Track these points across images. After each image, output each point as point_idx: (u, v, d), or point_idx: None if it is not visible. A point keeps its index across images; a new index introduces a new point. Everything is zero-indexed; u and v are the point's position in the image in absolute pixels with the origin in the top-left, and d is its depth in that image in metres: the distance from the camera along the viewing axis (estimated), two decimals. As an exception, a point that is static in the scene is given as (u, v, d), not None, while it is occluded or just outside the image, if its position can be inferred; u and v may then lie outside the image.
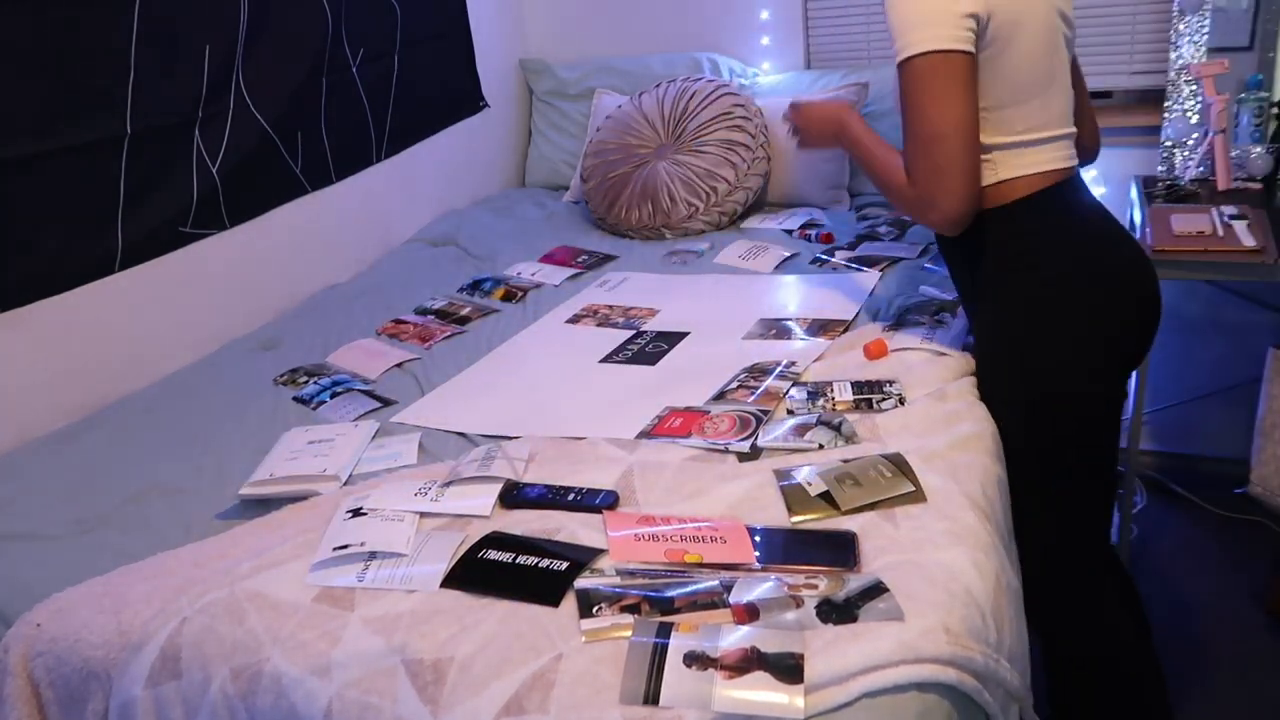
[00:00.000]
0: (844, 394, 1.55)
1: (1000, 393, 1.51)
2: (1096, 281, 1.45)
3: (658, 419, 1.55)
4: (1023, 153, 1.45)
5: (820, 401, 1.54)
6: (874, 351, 1.67)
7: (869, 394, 1.55)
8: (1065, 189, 1.47)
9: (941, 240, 1.63)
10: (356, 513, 1.34)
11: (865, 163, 1.53)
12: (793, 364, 1.67)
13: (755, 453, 1.42)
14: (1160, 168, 2.39)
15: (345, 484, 1.49)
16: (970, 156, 1.37)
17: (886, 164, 1.47)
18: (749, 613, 1.09)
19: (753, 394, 1.56)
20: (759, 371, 1.64)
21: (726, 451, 1.43)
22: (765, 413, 1.51)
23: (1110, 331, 1.46)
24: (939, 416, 1.47)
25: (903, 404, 1.51)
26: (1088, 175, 2.59)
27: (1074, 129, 1.51)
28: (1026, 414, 1.48)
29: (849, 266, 2.15)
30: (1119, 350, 1.48)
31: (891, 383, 1.57)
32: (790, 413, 1.52)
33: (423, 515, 1.35)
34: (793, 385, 1.60)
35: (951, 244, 1.57)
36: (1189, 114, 2.34)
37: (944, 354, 1.63)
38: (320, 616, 1.18)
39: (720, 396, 1.58)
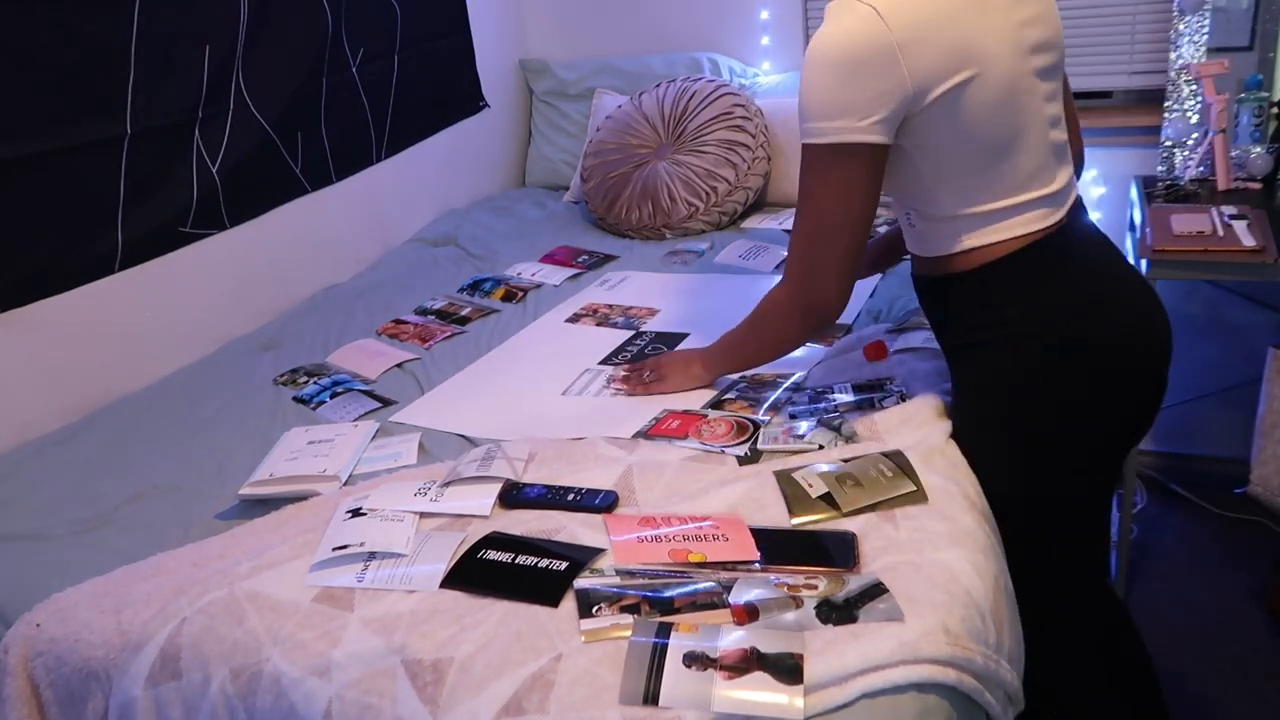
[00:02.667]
0: (845, 395, 1.55)
1: (978, 468, 1.37)
2: (1078, 364, 1.28)
3: (655, 420, 1.55)
4: (989, 222, 1.29)
5: (822, 404, 1.54)
6: (874, 353, 1.67)
7: (870, 393, 1.55)
8: (1044, 250, 1.30)
9: (920, 297, 1.48)
10: (356, 513, 1.34)
11: (741, 345, 1.51)
12: (794, 376, 1.66)
13: (755, 455, 1.41)
14: (1160, 168, 2.39)
15: (345, 484, 1.49)
16: (856, 255, 1.28)
17: (751, 323, 1.46)
18: (748, 613, 1.09)
19: (755, 408, 1.55)
20: (758, 382, 1.63)
21: (723, 454, 1.43)
22: (764, 420, 1.51)
23: (1094, 426, 1.31)
24: (939, 410, 1.46)
25: (904, 400, 1.51)
26: (1088, 175, 2.60)
27: (1052, 186, 1.31)
28: (1004, 500, 1.34)
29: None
30: (1105, 445, 1.34)
31: (892, 380, 1.57)
32: (792, 417, 1.51)
33: (422, 515, 1.35)
34: (794, 392, 1.59)
35: (924, 304, 1.46)
36: (1189, 114, 2.34)
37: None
38: (320, 617, 1.18)
39: (718, 406, 1.58)
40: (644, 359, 1.77)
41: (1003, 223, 1.29)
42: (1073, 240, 1.33)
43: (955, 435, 1.41)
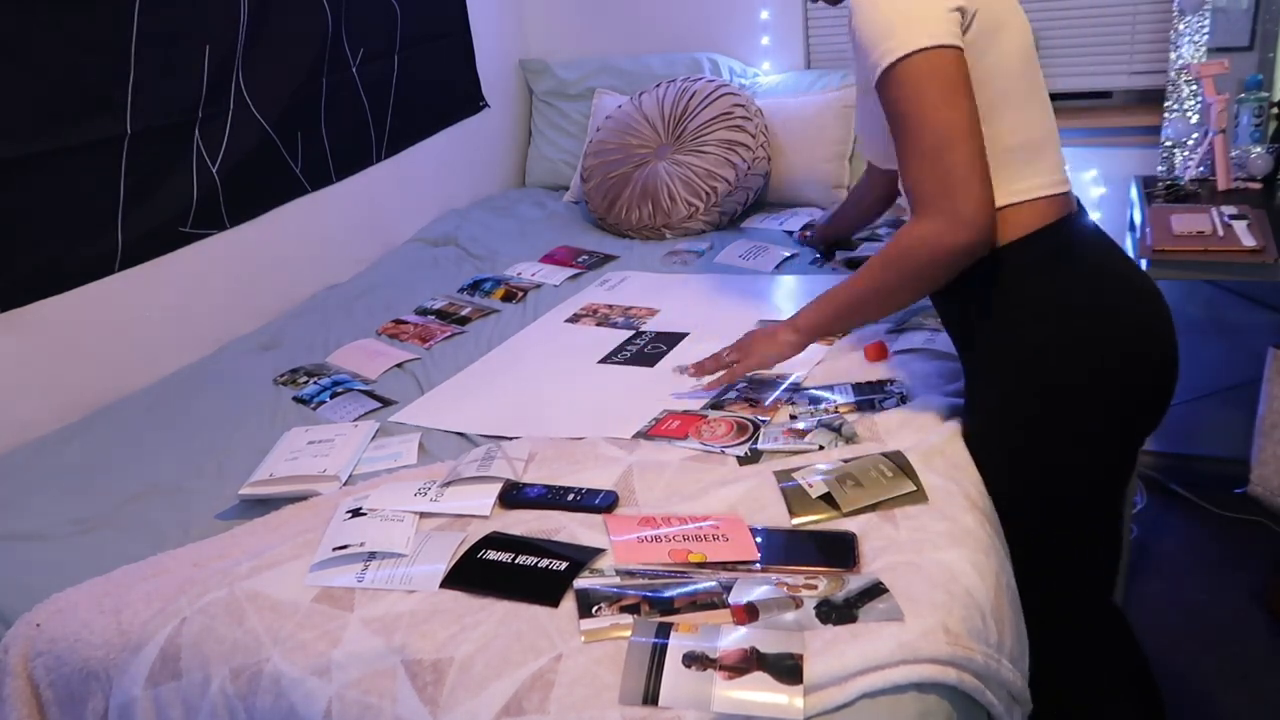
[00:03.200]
0: (846, 396, 1.55)
1: (991, 470, 1.36)
2: (1109, 345, 1.29)
3: (655, 420, 1.55)
4: (1014, 170, 1.29)
5: (822, 405, 1.54)
6: (874, 354, 1.67)
7: (870, 394, 1.55)
8: (1059, 234, 1.31)
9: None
10: (356, 513, 1.34)
11: (864, 294, 1.37)
12: (795, 377, 1.65)
13: (755, 456, 1.41)
14: (1160, 168, 2.39)
15: (345, 484, 1.49)
16: (983, 160, 1.22)
17: (871, 271, 1.33)
18: (748, 613, 1.09)
19: (755, 409, 1.54)
20: (757, 384, 1.63)
21: (723, 454, 1.43)
22: (764, 421, 1.50)
23: (1109, 425, 1.31)
24: (940, 411, 1.46)
25: (904, 402, 1.51)
26: (1088, 175, 2.60)
27: (1063, 164, 1.35)
28: (1013, 501, 1.34)
29: (849, 267, 2.15)
30: (1118, 445, 1.35)
31: (892, 381, 1.57)
32: (792, 417, 1.51)
33: (422, 515, 1.35)
34: (794, 392, 1.59)
35: (937, 299, 1.43)
36: (1189, 114, 2.34)
37: (946, 356, 1.63)
38: (320, 617, 1.18)
39: (718, 406, 1.57)
40: (649, 343, 1.78)
41: (1027, 171, 1.29)
42: (1086, 235, 1.34)
43: (967, 429, 1.41)
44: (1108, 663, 1.48)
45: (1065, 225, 1.32)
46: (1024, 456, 1.35)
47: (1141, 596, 2.27)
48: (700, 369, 1.61)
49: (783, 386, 1.60)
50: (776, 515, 1.27)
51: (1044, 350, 1.30)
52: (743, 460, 1.41)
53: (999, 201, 1.27)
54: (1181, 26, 2.31)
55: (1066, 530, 1.38)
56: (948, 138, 1.21)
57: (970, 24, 1.23)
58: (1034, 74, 1.33)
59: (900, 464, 1.33)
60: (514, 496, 1.37)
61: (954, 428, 1.43)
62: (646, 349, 1.86)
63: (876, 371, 1.63)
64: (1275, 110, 2.27)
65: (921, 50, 1.20)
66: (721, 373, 1.58)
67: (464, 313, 2.17)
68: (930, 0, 1.20)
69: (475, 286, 2.31)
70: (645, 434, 1.51)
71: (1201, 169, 2.33)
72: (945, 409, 1.47)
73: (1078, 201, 1.39)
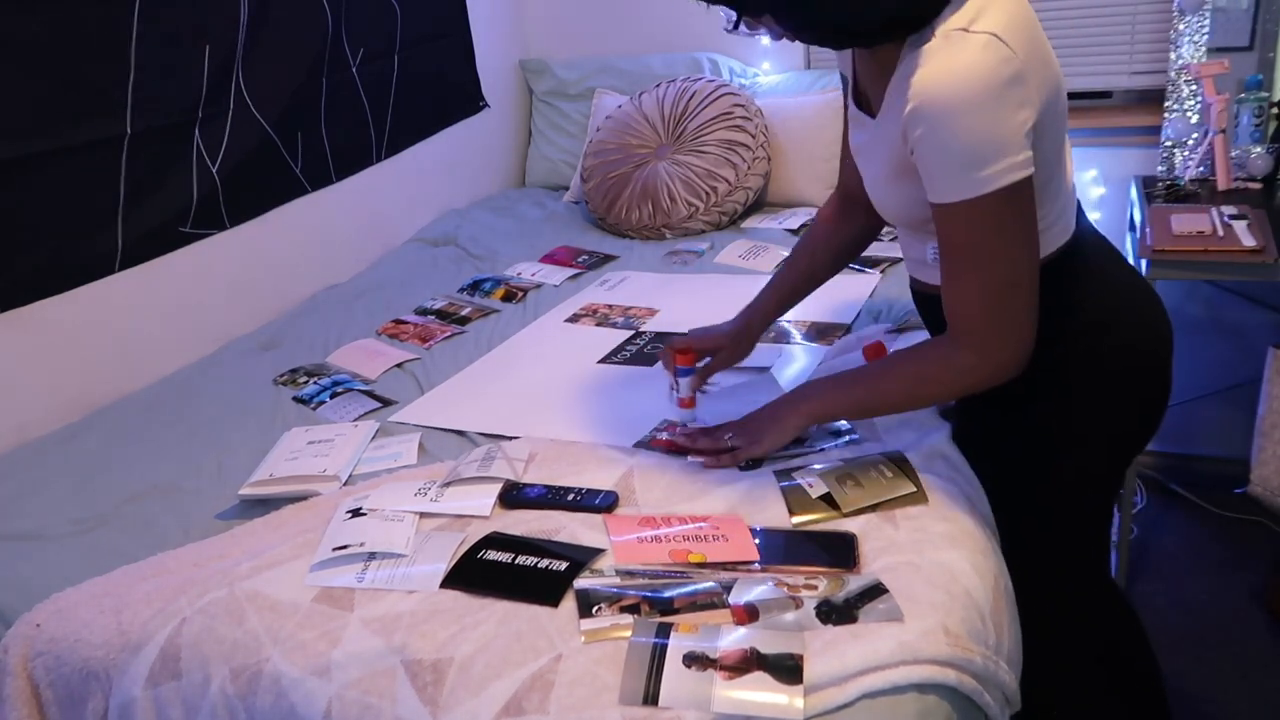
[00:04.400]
0: None
1: (987, 473, 1.35)
2: (1096, 370, 1.28)
3: (655, 432, 1.53)
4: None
5: None
6: (874, 354, 1.66)
7: None
8: (1064, 259, 1.28)
9: (927, 314, 1.43)
10: (356, 513, 1.34)
11: (875, 399, 1.32)
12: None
13: (756, 463, 1.41)
14: (1160, 168, 2.39)
15: (345, 484, 1.49)
16: (1036, 297, 1.18)
17: (898, 378, 1.28)
18: (748, 613, 1.09)
19: None
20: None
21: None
22: None
23: (1109, 431, 1.32)
24: (940, 411, 1.46)
25: None
26: (1088, 175, 2.60)
27: (1071, 201, 1.31)
28: (1014, 505, 1.34)
29: (849, 268, 2.15)
30: (1120, 450, 1.35)
31: None
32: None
33: (422, 515, 1.35)
34: None
35: (933, 319, 1.40)
36: (1189, 114, 2.34)
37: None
38: (320, 617, 1.18)
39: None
40: (649, 343, 1.71)
41: (1043, 236, 1.23)
42: (1085, 246, 1.31)
43: (962, 438, 1.40)
44: (1109, 663, 1.48)
45: (1067, 251, 1.28)
46: (1027, 463, 1.34)
47: (1141, 596, 2.27)
48: (696, 448, 1.44)
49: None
50: (776, 515, 1.27)
51: (1063, 359, 1.28)
52: (743, 465, 1.40)
53: None
54: (1181, 26, 2.31)
55: (1061, 531, 1.37)
56: (1016, 277, 1.16)
57: (1034, 134, 1.14)
58: (1063, 147, 1.25)
59: (900, 464, 1.34)
60: (514, 496, 1.37)
61: (954, 428, 1.43)
62: (646, 349, 1.86)
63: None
64: (1275, 110, 2.27)
65: (1004, 188, 1.11)
66: (720, 456, 1.42)
67: (464, 313, 2.17)
68: (1014, 120, 1.10)
69: (475, 286, 2.31)
70: (646, 445, 1.50)
71: (1201, 169, 2.33)
72: (947, 409, 1.47)
73: (1078, 204, 1.38)
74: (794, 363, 1.72)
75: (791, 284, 1.60)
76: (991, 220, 1.13)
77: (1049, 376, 1.27)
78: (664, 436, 1.50)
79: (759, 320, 1.61)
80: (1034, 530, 1.35)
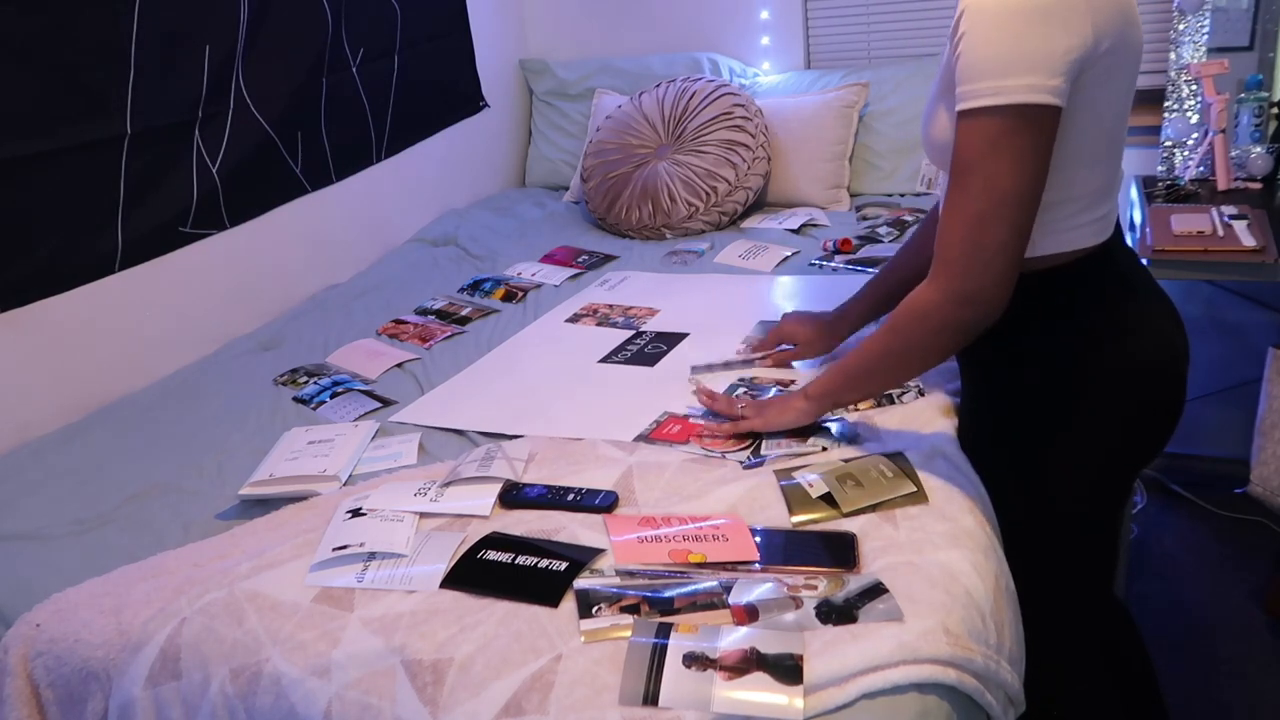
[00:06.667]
0: None
1: (1000, 477, 1.32)
2: (1124, 381, 1.24)
3: (656, 424, 1.54)
4: (1069, 222, 1.21)
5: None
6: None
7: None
8: (1097, 262, 1.25)
9: None
10: (356, 513, 1.34)
11: (868, 365, 1.29)
12: (793, 383, 1.64)
13: (758, 462, 1.41)
14: (1160, 168, 2.39)
15: (345, 484, 1.49)
16: (1025, 238, 1.13)
17: (885, 337, 1.25)
18: (748, 613, 1.09)
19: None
20: (757, 385, 1.63)
21: (724, 459, 1.42)
22: None
23: (1130, 440, 1.28)
24: (942, 410, 1.46)
25: (923, 395, 1.50)
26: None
27: (1117, 194, 1.26)
28: (1025, 510, 1.32)
29: (849, 268, 2.15)
30: (1137, 459, 1.32)
31: None
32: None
33: (422, 515, 1.35)
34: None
35: None
36: (1189, 114, 2.34)
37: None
38: (320, 617, 1.18)
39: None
40: (649, 343, 1.73)
41: (1082, 223, 1.21)
42: (1116, 249, 1.28)
43: (972, 441, 1.39)
44: (1109, 664, 1.48)
45: (1102, 254, 1.26)
46: (1039, 468, 1.32)
47: (1141, 596, 2.27)
48: (713, 401, 1.51)
49: (777, 392, 1.60)
50: (776, 515, 1.27)
51: (1079, 363, 1.25)
52: (744, 463, 1.40)
53: (1040, 252, 1.22)
54: (1182, 26, 2.31)
55: (1070, 539, 1.35)
56: (998, 207, 1.10)
57: (1086, 70, 1.09)
58: (1124, 125, 1.19)
59: (901, 464, 1.34)
60: (514, 496, 1.37)
61: (955, 425, 1.43)
62: (646, 349, 1.86)
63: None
64: (1275, 110, 2.27)
65: (1013, 105, 1.07)
66: (728, 424, 1.47)
67: (464, 313, 2.17)
68: (1054, 41, 1.05)
69: (475, 286, 2.31)
70: (646, 436, 1.51)
71: (1201, 169, 2.32)
72: (948, 409, 1.47)
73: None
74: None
75: (888, 288, 1.55)
76: (989, 137, 1.08)
77: (1063, 379, 1.26)
78: (681, 414, 1.53)
79: (850, 321, 1.60)
80: (1040, 534, 1.34)
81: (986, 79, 1.07)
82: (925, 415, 1.46)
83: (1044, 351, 1.27)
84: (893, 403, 1.50)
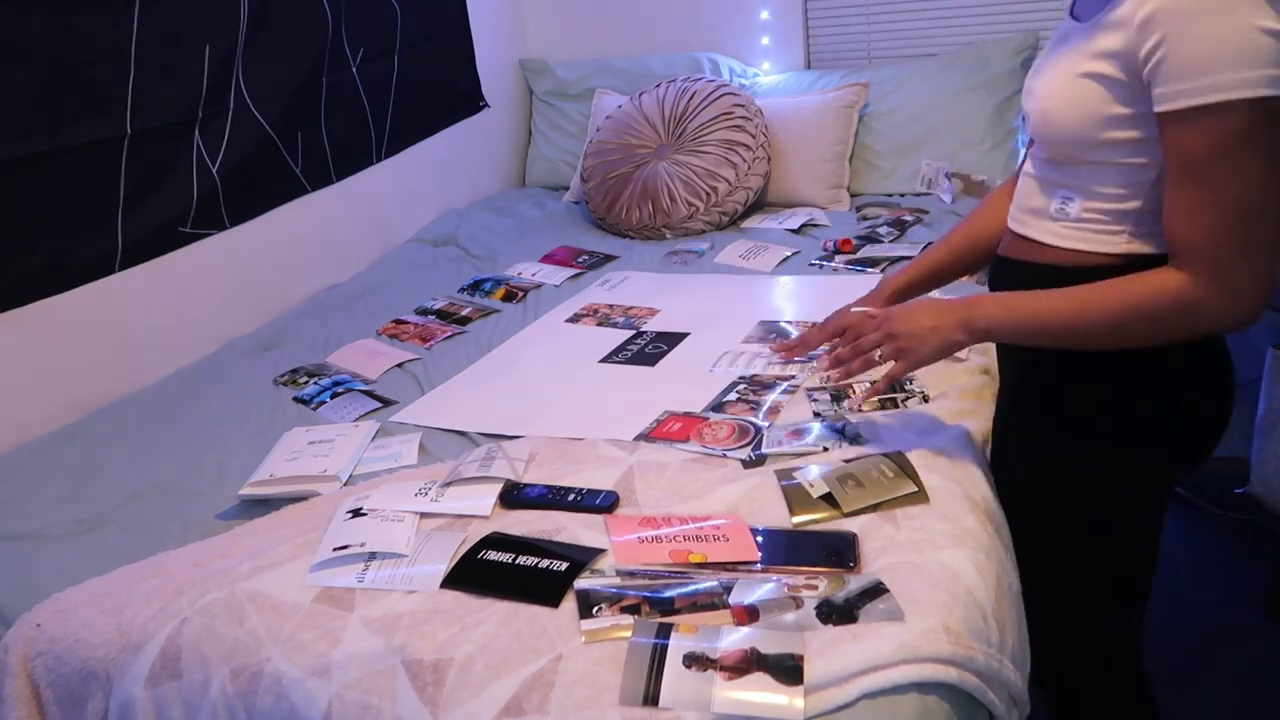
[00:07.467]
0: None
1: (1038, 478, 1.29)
2: (1192, 389, 1.20)
3: (656, 422, 1.55)
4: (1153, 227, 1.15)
5: (844, 403, 1.53)
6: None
7: (892, 392, 1.54)
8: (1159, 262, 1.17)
9: (1002, 284, 1.29)
10: (356, 513, 1.34)
11: (1071, 326, 1.15)
12: (793, 379, 1.65)
13: (759, 460, 1.41)
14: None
15: (345, 484, 1.49)
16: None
17: (1108, 306, 1.12)
18: (749, 613, 1.09)
19: (756, 410, 1.54)
20: (759, 385, 1.63)
21: (725, 457, 1.43)
22: (767, 425, 1.50)
23: (1181, 446, 1.24)
24: (942, 414, 1.46)
25: (927, 401, 1.51)
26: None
27: None
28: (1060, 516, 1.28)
29: (849, 268, 2.15)
30: (1179, 470, 1.27)
31: (912, 379, 1.56)
32: (816, 415, 1.50)
33: (423, 515, 1.34)
34: (792, 394, 1.59)
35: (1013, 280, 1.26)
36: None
37: (958, 357, 1.61)
38: (320, 617, 1.18)
39: (719, 408, 1.57)
40: (649, 343, 1.71)
41: (1156, 237, 1.14)
42: None
43: (1012, 441, 1.35)
44: (1121, 674, 1.47)
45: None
46: (1078, 471, 1.27)
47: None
48: (835, 359, 1.34)
49: (780, 389, 1.60)
50: (777, 515, 1.27)
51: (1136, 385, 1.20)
52: (746, 461, 1.41)
53: (1135, 250, 1.15)
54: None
55: (1098, 545, 1.31)
56: (1261, 202, 1.03)
57: None
58: None
59: (901, 464, 1.33)
60: (514, 497, 1.37)
61: (956, 429, 1.43)
62: (647, 349, 1.86)
63: (887, 368, 1.61)
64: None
65: (1263, 99, 0.99)
66: (865, 372, 1.34)
67: (464, 313, 2.17)
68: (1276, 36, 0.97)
69: (475, 286, 2.31)
70: (647, 435, 1.51)
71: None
72: (948, 411, 1.47)
73: None
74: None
75: (959, 253, 1.46)
76: (1237, 138, 1.00)
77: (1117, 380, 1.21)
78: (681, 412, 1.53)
79: (919, 293, 1.51)
80: (1063, 536, 1.31)
81: (1242, 69, 0.99)
82: (926, 416, 1.46)
83: (1102, 355, 1.19)
84: (895, 405, 1.50)
